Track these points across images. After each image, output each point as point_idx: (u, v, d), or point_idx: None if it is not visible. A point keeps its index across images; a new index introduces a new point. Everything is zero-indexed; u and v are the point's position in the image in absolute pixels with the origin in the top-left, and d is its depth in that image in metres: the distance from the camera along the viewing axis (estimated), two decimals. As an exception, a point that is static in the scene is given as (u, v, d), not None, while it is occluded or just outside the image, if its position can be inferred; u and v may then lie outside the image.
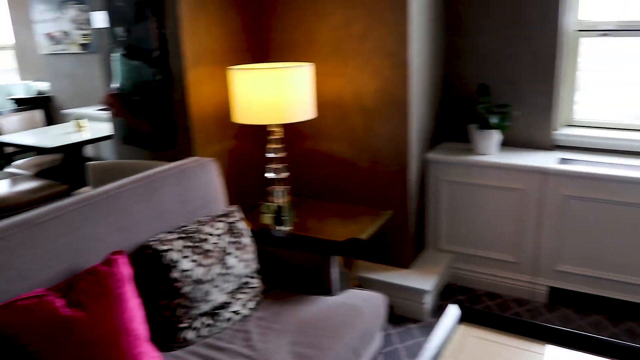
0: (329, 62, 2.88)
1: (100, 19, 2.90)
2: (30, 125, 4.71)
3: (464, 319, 1.81)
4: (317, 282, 2.22)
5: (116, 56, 2.80)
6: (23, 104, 5.70)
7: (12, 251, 1.52)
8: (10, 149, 4.38)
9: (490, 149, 2.99)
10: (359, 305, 2.13)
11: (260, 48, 3.04)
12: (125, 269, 1.65)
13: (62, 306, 1.47)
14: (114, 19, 2.81)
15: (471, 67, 3.14)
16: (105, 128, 4.26)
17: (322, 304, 2.12)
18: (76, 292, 1.52)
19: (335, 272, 2.23)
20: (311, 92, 2.51)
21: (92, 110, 4.79)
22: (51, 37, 5.43)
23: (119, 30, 2.79)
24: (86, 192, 3.47)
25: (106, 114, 4.59)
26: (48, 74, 5.71)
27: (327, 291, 2.21)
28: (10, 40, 6.70)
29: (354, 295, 2.22)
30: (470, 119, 3.08)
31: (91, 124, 4.29)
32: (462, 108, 3.21)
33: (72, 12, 5.13)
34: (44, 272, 1.57)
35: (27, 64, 6.72)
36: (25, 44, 6.56)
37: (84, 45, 5.14)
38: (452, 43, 3.16)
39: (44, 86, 6.05)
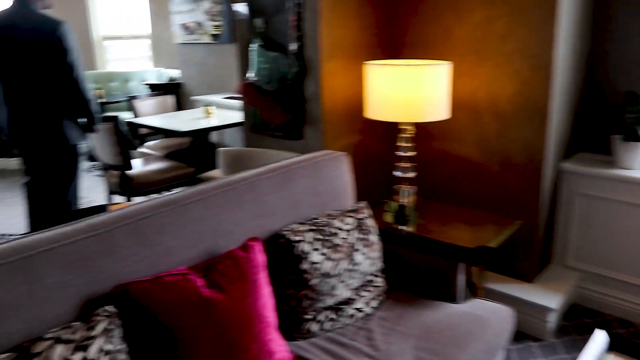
0: (465, 62, 2.77)
1: (240, 10, 2.99)
2: (162, 110, 5.00)
3: (614, 347, 1.66)
4: (442, 287, 2.14)
5: (254, 47, 2.87)
6: (156, 90, 6.07)
7: (161, 228, 1.59)
8: (144, 131, 4.67)
9: (635, 163, 2.74)
10: (486, 317, 2.03)
11: (393, 43, 2.99)
12: (260, 256, 1.68)
13: (203, 286, 1.51)
14: (253, 10, 2.88)
15: (618, 73, 2.89)
16: (230, 116, 4.43)
17: (447, 311, 2.05)
18: (215, 274, 1.56)
19: (461, 279, 2.14)
20: (447, 92, 2.43)
21: (219, 98, 5.00)
22: (185, 28, 5.72)
23: (258, 22, 2.86)
24: (213, 176, 3.62)
25: (233, 102, 4.78)
26: (180, 62, 6.04)
27: (452, 298, 2.13)
28: (148, 30, 7.17)
29: (480, 306, 2.12)
30: (614, 129, 2.84)
31: (218, 111, 4.47)
32: (605, 117, 2.96)
33: (206, 4, 5.37)
34: (187, 251, 1.64)
35: (161, 53, 7.16)
36: (161, 33, 6.98)
37: (215, 36, 5.37)
38: (598, 46, 2.92)
39: (175, 73, 6.41)
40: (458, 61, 2.77)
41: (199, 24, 5.53)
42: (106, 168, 4.00)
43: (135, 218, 1.54)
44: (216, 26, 5.33)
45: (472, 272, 2.36)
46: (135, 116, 4.79)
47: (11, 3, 3.18)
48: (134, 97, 4.85)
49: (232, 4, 3.07)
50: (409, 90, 2.33)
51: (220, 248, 1.71)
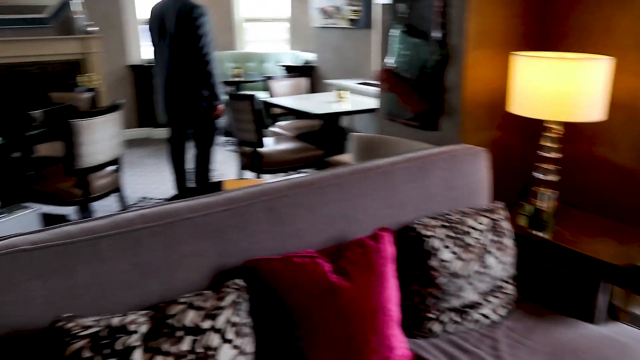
0: (627, 57, 2.48)
1: (383, -6, 2.93)
2: (296, 91, 5.10)
3: None
4: (579, 304, 1.96)
5: (395, 32, 2.80)
6: (290, 71, 6.21)
7: (293, 209, 1.60)
8: (277, 111, 4.80)
9: None
10: (627, 344, 1.82)
11: (542, 34, 2.76)
12: (390, 247, 1.63)
13: (330, 271, 1.50)
14: (397, -5, 2.81)
15: None
16: (363, 101, 4.40)
17: (583, 331, 1.86)
18: (343, 261, 1.54)
19: (603, 298, 1.94)
20: (605, 91, 2.20)
21: (352, 83, 5.00)
22: (324, 12, 5.78)
23: (401, 7, 2.79)
24: (342, 160, 3.63)
25: (366, 88, 4.75)
26: (315, 45, 6.12)
27: (589, 318, 1.94)
28: (287, 13, 7.36)
29: (622, 331, 1.91)
30: None
31: (351, 96, 4.47)
32: None
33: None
34: (316, 234, 1.63)
35: (297, 36, 7.32)
36: (299, 17, 7.13)
37: (352, 21, 5.36)
38: None
39: (310, 56, 6.52)
40: (619, 56, 2.49)
41: (337, 8, 5.55)
42: (240, 144, 4.17)
43: (271, 196, 1.55)
44: (354, 11, 5.31)
45: (616, 292, 2.14)
46: (270, 96, 4.94)
47: None
48: (269, 78, 4.99)
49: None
50: (561, 86, 2.13)
51: (349, 235, 1.68)
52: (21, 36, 5.80)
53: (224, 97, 3.93)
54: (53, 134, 3.44)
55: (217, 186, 4.02)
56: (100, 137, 3.27)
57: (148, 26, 3.93)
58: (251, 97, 3.76)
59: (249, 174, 4.36)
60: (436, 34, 2.58)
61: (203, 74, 3.76)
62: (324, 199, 1.65)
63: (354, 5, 5.30)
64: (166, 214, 1.42)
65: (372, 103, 4.22)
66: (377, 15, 5.09)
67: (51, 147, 3.92)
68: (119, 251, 1.35)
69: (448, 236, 1.79)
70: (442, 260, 1.75)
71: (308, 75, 5.58)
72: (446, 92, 2.59)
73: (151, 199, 4.60)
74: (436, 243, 1.76)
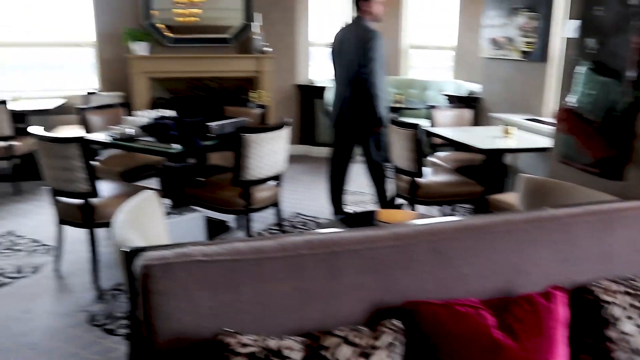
0: None
1: (570, 28, 2.73)
2: (459, 122, 4.96)
3: None
4: None
5: (580, 69, 2.59)
6: (453, 101, 6.07)
7: (460, 252, 1.51)
8: (437, 141, 4.69)
9: None
10: None
11: None
12: (563, 309, 1.48)
13: (494, 326, 1.39)
14: (586, 29, 2.59)
15: None
16: (530, 139, 4.14)
17: None
18: (509, 316, 1.42)
19: None
20: None
21: (519, 118, 4.73)
22: (494, 42, 5.56)
23: (590, 42, 2.57)
24: (504, 200, 3.44)
25: (536, 124, 4.46)
26: (482, 76, 5.91)
27: None
28: (453, 42, 7.25)
29: None
30: None
31: (518, 132, 4.22)
32: None
33: (521, 19, 5.12)
34: (481, 282, 1.53)
35: (462, 65, 7.15)
36: (466, 46, 6.97)
37: (525, 53, 5.09)
38: None
39: (474, 87, 6.32)
40: None
41: (510, 39, 5.31)
42: (398, 171, 4.14)
43: (439, 237, 1.49)
44: (528, 43, 5.04)
45: None
46: (432, 125, 4.85)
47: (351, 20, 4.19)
48: (433, 107, 4.91)
49: (569, 21, 2.82)
50: None
51: (517, 287, 1.55)
52: (207, 53, 6.38)
53: (386, 120, 4.07)
54: (226, 144, 3.70)
55: (369, 217, 4.11)
56: (267, 152, 3.44)
57: (330, 49, 4.29)
58: (415, 126, 3.72)
59: (400, 202, 4.31)
60: (631, 74, 2.33)
61: (369, 95, 3.99)
62: (493, 245, 1.54)
63: (528, 37, 5.03)
64: (332, 242, 1.42)
65: (542, 142, 3.95)
66: (554, 48, 4.79)
67: (221, 157, 4.23)
68: (283, 274, 1.38)
69: (632, 306, 1.57)
70: (623, 333, 1.54)
71: (472, 106, 5.39)
72: (637, 138, 2.32)
73: (305, 215, 4.75)
74: (617, 312, 1.55)
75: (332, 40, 4.29)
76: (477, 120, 5.09)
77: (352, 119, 4.19)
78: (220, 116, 4.55)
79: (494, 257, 1.54)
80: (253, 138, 3.32)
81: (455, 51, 7.39)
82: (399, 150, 3.96)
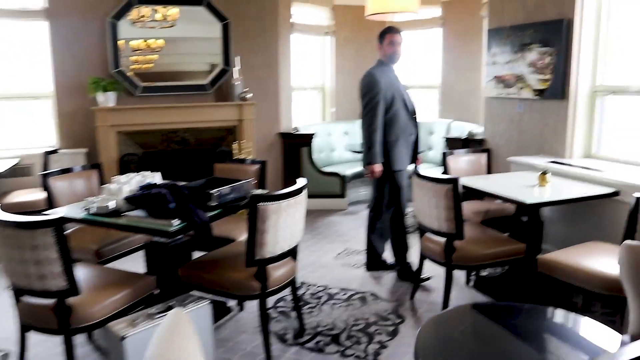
0: None
1: None
2: (475, 169, 4.47)
3: None
4: None
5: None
6: (454, 145, 5.63)
7: None
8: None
9: None
10: None
11: None
12: None
13: None
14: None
15: None
16: (567, 186, 3.68)
17: None
18: None
19: None
20: None
21: (542, 162, 4.29)
22: (500, 80, 5.16)
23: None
24: (558, 260, 2.90)
25: (566, 168, 3.98)
26: (487, 116, 5.50)
27: None
28: (437, 80, 6.95)
29: None
30: None
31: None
32: None
33: (532, 55, 4.72)
34: None
35: (448, 104, 6.82)
36: (452, 84, 6.65)
37: (539, 91, 4.69)
38: None
39: (471, 127, 5.93)
40: None
41: (519, 77, 4.91)
42: (423, 230, 3.58)
43: None
44: (542, 80, 4.65)
45: None
46: (445, 172, 4.34)
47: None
48: (450, 152, 4.40)
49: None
50: None
51: None
52: (182, 102, 5.76)
53: (376, 160, 4.03)
54: (229, 213, 3.06)
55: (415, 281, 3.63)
56: (287, 223, 2.82)
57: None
58: (454, 181, 3.18)
59: (432, 267, 3.73)
60: None
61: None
62: None
63: (542, 74, 4.63)
64: None
65: (579, 189, 3.51)
66: (572, 84, 4.41)
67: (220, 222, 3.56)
68: None
69: None
70: None
71: (485, 150, 4.86)
72: None
73: (313, 285, 4.10)
74: None
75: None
76: (490, 166, 4.61)
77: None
78: (211, 176, 3.94)
79: None
80: (273, 208, 2.70)
81: (440, 89, 7.04)
82: (427, 207, 3.41)
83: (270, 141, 6.37)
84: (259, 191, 3.36)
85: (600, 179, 3.74)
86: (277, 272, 2.95)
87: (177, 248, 3.10)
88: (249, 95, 5.94)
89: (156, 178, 3.37)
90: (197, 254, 3.29)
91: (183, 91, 5.80)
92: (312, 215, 5.98)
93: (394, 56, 4.12)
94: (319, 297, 3.85)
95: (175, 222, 2.66)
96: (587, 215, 3.88)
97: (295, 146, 6.34)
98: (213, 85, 5.89)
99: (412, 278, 4.05)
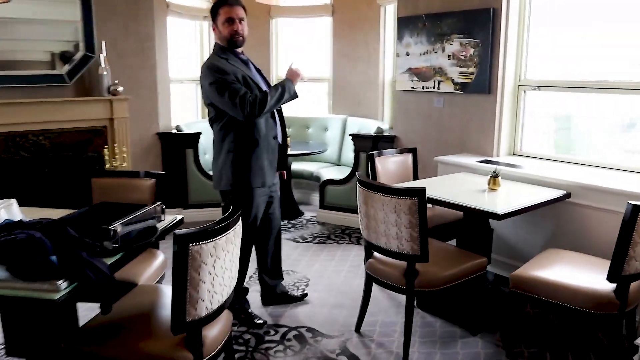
0: None
1: None
2: (403, 171, 3.96)
3: None
4: None
5: None
6: (361, 142, 5.12)
7: None
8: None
9: None
10: None
11: None
12: None
13: None
14: None
15: None
16: (515, 188, 3.30)
17: None
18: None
19: None
20: None
21: (471, 161, 3.90)
22: (414, 73, 4.71)
23: None
24: (538, 278, 2.44)
25: (489, 166, 3.54)
26: (398, 111, 5.03)
27: None
28: (326, 73, 6.41)
29: None
30: None
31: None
32: None
33: (452, 47, 4.30)
34: None
35: (339, 99, 6.33)
36: (344, 77, 6.17)
37: (461, 85, 4.29)
38: None
39: (373, 124, 5.49)
40: None
41: (437, 69, 4.48)
42: (372, 249, 2.96)
43: None
44: (464, 73, 4.26)
45: None
46: (372, 177, 3.77)
47: None
48: (380, 153, 3.81)
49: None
50: None
51: None
52: (33, 97, 4.51)
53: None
54: (136, 254, 2.17)
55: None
56: (225, 265, 2.01)
57: None
58: (419, 193, 2.58)
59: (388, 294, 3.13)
60: None
61: None
62: None
63: (465, 67, 4.23)
64: None
65: (529, 191, 3.18)
66: (499, 78, 4.07)
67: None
68: None
69: None
70: None
71: (411, 150, 4.30)
72: None
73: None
74: None
75: None
76: (415, 167, 4.11)
77: None
78: (90, 197, 2.97)
79: None
80: (209, 249, 1.87)
81: (331, 83, 6.50)
82: (381, 225, 2.79)
83: (148, 143, 5.33)
84: (170, 219, 2.49)
85: (550, 180, 3.42)
86: (213, 332, 2.12)
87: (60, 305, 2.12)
88: (120, 89, 4.87)
89: (13, 208, 2.34)
90: (84, 311, 2.33)
91: (31, 83, 4.53)
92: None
93: (236, 37, 3.06)
94: (247, 341, 3.05)
95: (62, 284, 1.72)
96: (536, 220, 3.55)
97: (178, 148, 5.38)
98: (73, 76, 4.70)
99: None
